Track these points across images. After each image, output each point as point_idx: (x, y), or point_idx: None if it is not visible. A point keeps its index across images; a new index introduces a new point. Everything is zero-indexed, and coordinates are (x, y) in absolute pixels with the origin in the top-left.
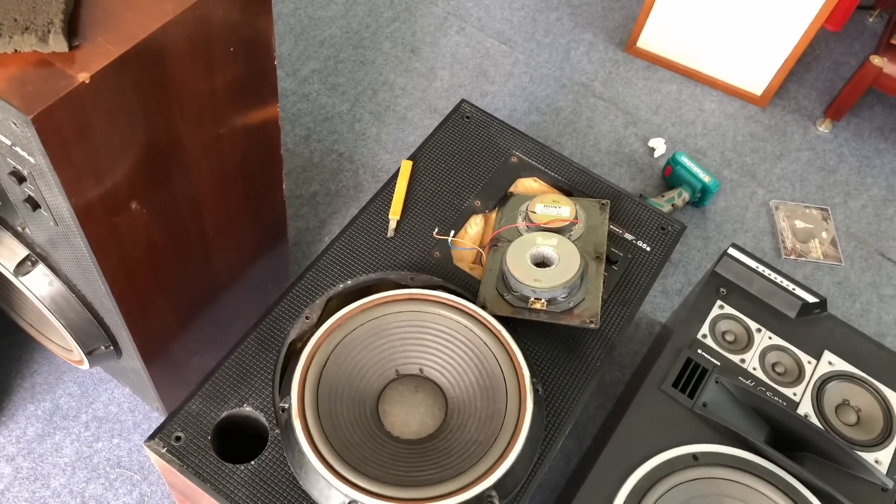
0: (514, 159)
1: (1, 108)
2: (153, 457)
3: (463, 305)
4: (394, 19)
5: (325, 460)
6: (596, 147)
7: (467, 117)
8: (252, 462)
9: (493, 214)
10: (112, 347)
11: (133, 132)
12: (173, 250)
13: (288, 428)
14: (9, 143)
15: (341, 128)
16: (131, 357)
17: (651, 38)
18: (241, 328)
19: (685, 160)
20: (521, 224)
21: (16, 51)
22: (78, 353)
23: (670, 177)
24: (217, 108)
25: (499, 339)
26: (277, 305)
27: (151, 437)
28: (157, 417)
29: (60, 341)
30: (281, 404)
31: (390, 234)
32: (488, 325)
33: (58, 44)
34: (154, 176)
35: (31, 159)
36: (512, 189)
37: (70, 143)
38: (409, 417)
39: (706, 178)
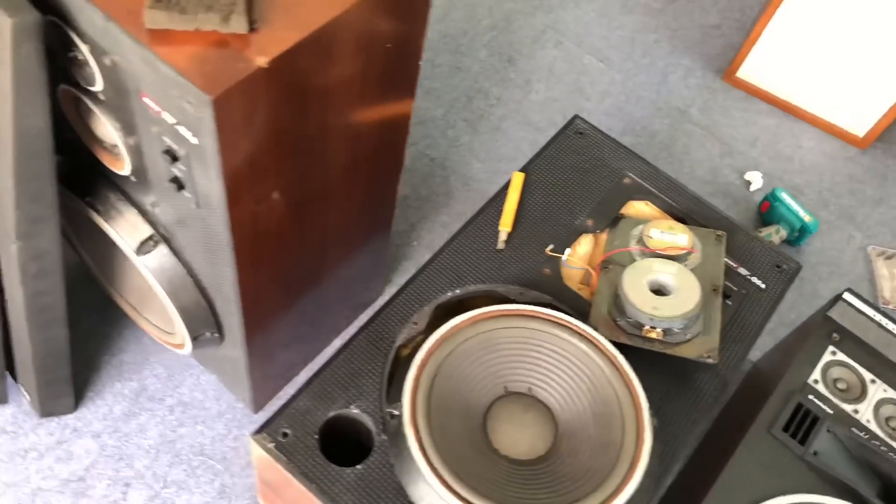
0: (626, 181)
1: (179, 85)
2: (256, 450)
3: (578, 327)
4: (492, 27)
5: (440, 474)
6: (691, 175)
7: (580, 133)
8: (359, 466)
9: (604, 235)
10: (217, 334)
11: (291, 121)
12: (297, 241)
13: (398, 436)
14: (172, 121)
15: (434, 133)
16: (233, 345)
17: (753, 69)
18: (327, 325)
19: (785, 197)
20: (634, 248)
21: (197, 29)
22: (182, 337)
23: (767, 213)
24: (363, 102)
25: (615, 365)
26: (387, 308)
27: (259, 431)
28: (242, 408)
29: (162, 324)
30: (389, 410)
31: (500, 245)
32: (605, 351)
33: (239, 25)
34: (298, 166)
35: (195, 140)
36: (623, 211)
37: (238, 127)
38: (518, 437)
39: (807, 218)
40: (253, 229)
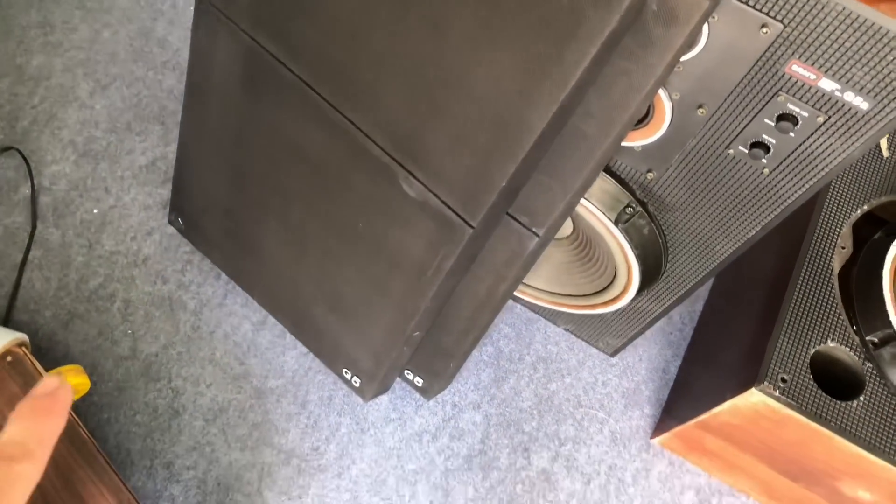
0: None
1: None
2: (756, 401)
3: None
4: None
5: None
6: None
7: None
8: (861, 398)
9: None
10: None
11: None
12: None
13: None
14: (832, 88)
15: None
16: (657, 299)
17: None
18: None
19: None
20: None
21: None
22: (619, 294)
23: None
24: None
25: None
26: (813, 237)
27: (760, 382)
28: (597, 354)
29: (590, 289)
30: (869, 338)
31: (885, 154)
32: None
33: None
34: None
35: (865, 105)
36: None
37: None
38: None
39: None
40: None
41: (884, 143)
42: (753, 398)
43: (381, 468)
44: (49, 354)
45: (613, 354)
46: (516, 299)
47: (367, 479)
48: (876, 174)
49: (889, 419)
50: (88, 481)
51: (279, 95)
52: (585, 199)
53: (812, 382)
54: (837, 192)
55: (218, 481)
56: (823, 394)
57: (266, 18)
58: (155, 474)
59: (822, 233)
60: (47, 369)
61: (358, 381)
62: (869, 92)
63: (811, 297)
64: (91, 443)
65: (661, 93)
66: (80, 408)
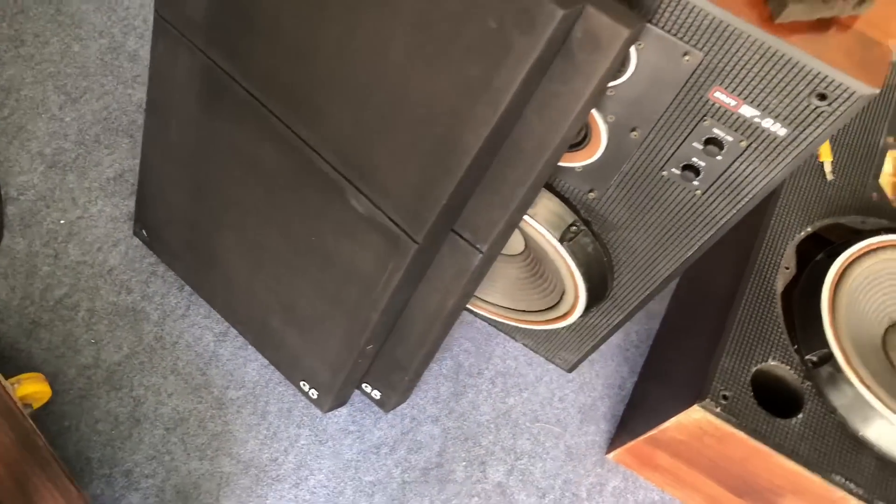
0: None
1: (808, 78)
2: (698, 418)
3: None
4: None
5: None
6: None
7: None
8: (800, 415)
9: None
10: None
11: None
12: None
13: (835, 379)
14: (752, 115)
15: None
16: (605, 314)
17: None
18: None
19: None
20: None
21: (821, 18)
22: (566, 312)
23: None
24: None
25: None
26: (758, 257)
27: (702, 399)
28: (554, 370)
29: (539, 305)
30: (808, 357)
31: (829, 177)
32: None
33: (867, 6)
34: None
35: (783, 131)
36: None
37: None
38: None
39: None
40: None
41: (828, 167)
42: (696, 415)
43: (338, 480)
44: (11, 363)
45: (571, 370)
46: (474, 314)
47: (325, 490)
48: (821, 196)
49: (826, 437)
50: (42, 487)
51: (234, 112)
52: (532, 217)
53: (752, 400)
54: (783, 214)
55: (177, 490)
56: (763, 411)
57: (220, 37)
58: (114, 482)
59: (766, 253)
60: (8, 377)
61: (315, 392)
62: (785, 119)
63: (755, 316)
64: (46, 448)
65: (597, 116)
66: (41, 416)
